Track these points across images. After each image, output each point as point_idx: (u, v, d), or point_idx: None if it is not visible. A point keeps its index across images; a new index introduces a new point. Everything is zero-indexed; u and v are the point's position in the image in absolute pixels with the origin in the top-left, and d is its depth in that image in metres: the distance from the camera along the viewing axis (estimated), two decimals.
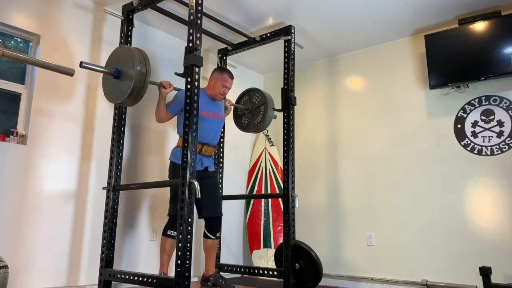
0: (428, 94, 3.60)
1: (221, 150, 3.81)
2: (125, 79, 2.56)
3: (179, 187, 2.37)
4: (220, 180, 3.76)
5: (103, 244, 2.78)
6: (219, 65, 3.92)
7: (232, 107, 3.53)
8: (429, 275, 3.35)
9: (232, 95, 3.76)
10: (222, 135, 3.82)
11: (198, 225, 3.76)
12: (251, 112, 3.60)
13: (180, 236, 2.29)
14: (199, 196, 2.36)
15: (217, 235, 3.04)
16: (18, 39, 2.98)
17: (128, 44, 3.02)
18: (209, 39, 3.71)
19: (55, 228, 2.84)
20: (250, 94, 3.66)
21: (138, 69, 2.48)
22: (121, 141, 2.93)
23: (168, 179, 3.08)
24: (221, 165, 3.79)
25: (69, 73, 2.36)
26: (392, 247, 3.58)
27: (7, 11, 2.76)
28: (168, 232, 2.91)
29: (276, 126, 4.41)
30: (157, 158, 3.54)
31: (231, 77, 3.15)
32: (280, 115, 3.44)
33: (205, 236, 3.04)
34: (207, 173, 3.05)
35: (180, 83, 3.10)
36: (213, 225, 3.03)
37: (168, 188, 3.19)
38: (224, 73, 3.12)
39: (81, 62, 2.45)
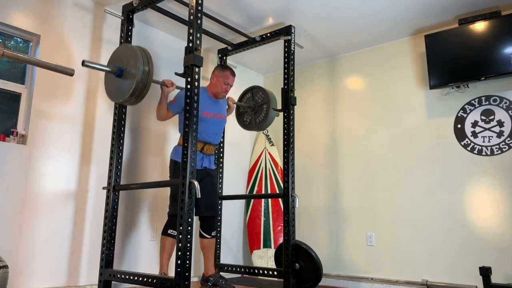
0: (428, 94, 3.60)
1: (221, 150, 3.81)
2: (127, 77, 2.56)
3: (179, 187, 2.37)
4: (220, 180, 3.76)
5: (103, 244, 2.78)
6: (220, 64, 3.92)
7: (235, 105, 3.53)
8: (429, 275, 3.35)
9: (233, 95, 3.76)
10: (222, 134, 3.81)
11: (198, 224, 3.75)
12: (253, 110, 3.61)
13: (180, 236, 2.29)
14: (199, 196, 2.36)
15: (213, 234, 3.05)
16: (18, 39, 2.98)
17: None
18: (209, 39, 3.71)
19: (55, 228, 2.84)
20: (253, 91, 3.66)
21: (141, 68, 2.48)
22: (121, 141, 2.93)
23: (168, 178, 3.08)
24: (221, 165, 3.78)
25: (69, 73, 2.36)
26: (392, 247, 3.58)
27: (7, 11, 2.76)
28: (168, 232, 2.91)
29: (276, 126, 4.41)
30: (157, 158, 3.54)
31: (233, 74, 3.16)
32: (280, 115, 3.44)
33: (201, 235, 3.05)
34: (208, 171, 3.06)
35: (181, 83, 3.11)
36: (208, 224, 3.04)
37: (168, 188, 3.19)
38: (225, 71, 3.13)
39: (83, 61, 2.45)
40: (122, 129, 2.94)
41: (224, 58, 3.94)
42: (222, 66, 3.25)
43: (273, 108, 3.47)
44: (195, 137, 2.42)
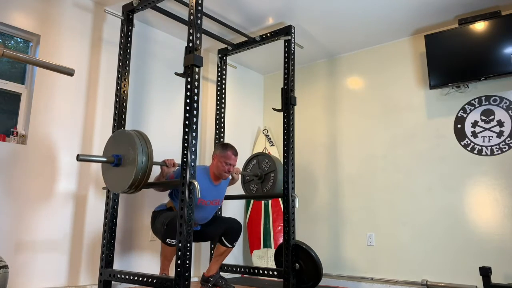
0: (428, 94, 3.60)
1: None
2: (126, 165, 2.41)
3: (179, 187, 2.37)
4: None
5: (103, 244, 2.78)
6: (219, 65, 3.92)
7: (239, 176, 3.45)
8: (429, 275, 3.35)
9: (232, 96, 3.76)
10: (222, 134, 3.81)
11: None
12: (260, 178, 3.53)
13: (180, 236, 2.29)
14: (199, 196, 2.36)
15: (234, 244, 3.05)
16: (18, 39, 2.98)
17: (128, 44, 3.02)
18: (209, 39, 3.71)
19: (55, 228, 2.84)
20: (258, 159, 3.59)
21: (140, 158, 2.33)
22: None
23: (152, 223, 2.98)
24: None
25: (69, 73, 2.35)
26: (392, 247, 3.58)
27: (7, 11, 2.76)
28: (167, 241, 2.72)
29: (276, 126, 4.41)
30: (157, 158, 3.53)
31: (235, 154, 2.99)
32: (280, 115, 3.44)
33: (221, 243, 3.02)
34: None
35: (181, 83, 3.12)
36: (233, 234, 3.02)
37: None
38: (226, 151, 2.95)
39: (77, 156, 2.32)
40: (122, 129, 2.94)
41: (224, 58, 3.94)
42: (223, 145, 3.03)
43: (273, 108, 3.47)
44: (195, 137, 2.42)
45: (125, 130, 2.58)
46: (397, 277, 3.50)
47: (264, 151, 4.47)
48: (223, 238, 3.03)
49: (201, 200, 2.86)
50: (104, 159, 2.47)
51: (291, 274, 2.99)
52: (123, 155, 2.44)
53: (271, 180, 3.44)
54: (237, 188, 4.25)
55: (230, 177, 3.19)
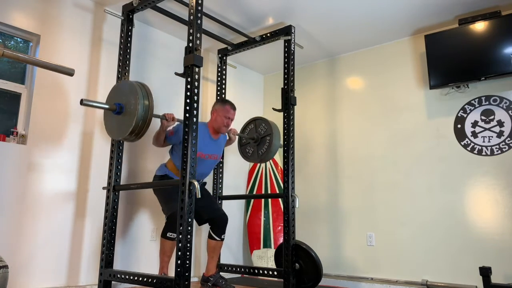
0: (428, 94, 3.60)
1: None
2: (127, 115, 2.49)
3: (179, 187, 2.37)
4: (220, 180, 3.76)
5: (103, 244, 2.78)
6: (219, 65, 3.93)
7: (236, 137, 3.49)
8: (429, 275, 3.35)
9: (232, 96, 3.77)
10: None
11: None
12: (256, 142, 3.55)
13: (180, 236, 2.29)
14: (199, 196, 2.36)
15: (222, 236, 3.06)
16: (18, 39, 2.98)
17: (128, 44, 3.02)
18: (209, 39, 3.71)
19: (55, 228, 2.84)
20: (256, 123, 3.61)
21: (141, 107, 2.41)
22: (121, 141, 2.93)
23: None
24: (221, 165, 3.78)
25: (69, 73, 2.35)
26: (392, 247, 3.58)
27: (7, 11, 2.76)
28: (168, 235, 2.83)
29: None
30: (158, 158, 3.53)
31: (233, 108, 3.12)
32: (280, 115, 3.44)
33: (210, 236, 3.06)
34: (204, 190, 3.10)
35: (181, 83, 3.12)
36: (220, 226, 3.05)
37: None
38: (225, 105, 3.09)
39: (81, 100, 2.38)
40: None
41: (224, 58, 3.94)
42: (222, 100, 3.21)
43: (273, 108, 3.47)
44: (195, 137, 2.42)
45: (128, 81, 2.67)
46: (397, 277, 3.50)
47: None
48: (210, 231, 3.05)
49: (200, 154, 2.92)
50: (107, 106, 2.56)
51: (291, 274, 2.99)
52: (125, 104, 2.52)
53: (266, 143, 3.49)
54: (237, 188, 4.26)
55: (228, 137, 3.29)
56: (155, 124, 2.98)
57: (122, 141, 2.89)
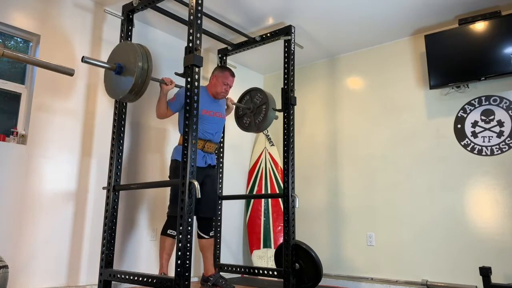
0: (428, 94, 3.60)
1: (221, 150, 3.81)
2: (126, 74, 2.58)
3: (179, 187, 2.37)
4: (220, 180, 3.76)
5: (103, 244, 2.78)
6: (219, 65, 3.92)
7: (234, 106, 3.54)
8: (429, 275, 3.35)
9: (233, 96, 3.75)
10: (222, 135, 3.81)
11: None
12: (252, 111, 3.60)
13: (180, 236, 2.29)
14: (199, 196, 2.36)
15: (211, 234, 3.05)
16: (18, 39, 2.98)
17: None
18: (209, 39, 3.71)
19: (55, 228, 2.84)
20: (251, 93, 3.66)
21: (140, 65, 2.50)
22: (121, 141, 2.93)
23: (168, 178, 3.08)
24: (221, 165, 3.78)
25: (69, 73, 2.36)
26: (392, 247, 3.58)
27: (7, 11, 2.76)
28: (168, 232, 2.90)
29: (276, 126, 4.41)
30: (158, 158, 3.54)
31: (233, 75, 3.17)
32: (280, 115, 3.45)
33: (199, 236, 3.05)
34: (209, 172, 3.06)
35: (180, 82, 3.11)
36: (207, 225, 3.04)
37: (168, 188, 3.19)
38: (225, 71, 3.14)
39: (83, 57, 2.45)
40: (122, 128, 2.94)
41: (224, 58, 3.94)
42: (222, 67, 3.26)
43: (273, 108, 3.47)
44: (195, 137, 2.42)
45: (128, 42, 2.77)
46: (397, 277, 3.50)
47: (264, 152, 4.48)
48: (198, 230, 3.05)
49: (205, 111, 3.01)
50: (108, 65, 2.64)
51: (291, 274, 2.99)
52: (125, 64, 2.60)
53: (262, 112, 3.53)
54: (237, 188, 4.25)
55: (226, 106, 3.33)
56: (156, 95, 2.97)
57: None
